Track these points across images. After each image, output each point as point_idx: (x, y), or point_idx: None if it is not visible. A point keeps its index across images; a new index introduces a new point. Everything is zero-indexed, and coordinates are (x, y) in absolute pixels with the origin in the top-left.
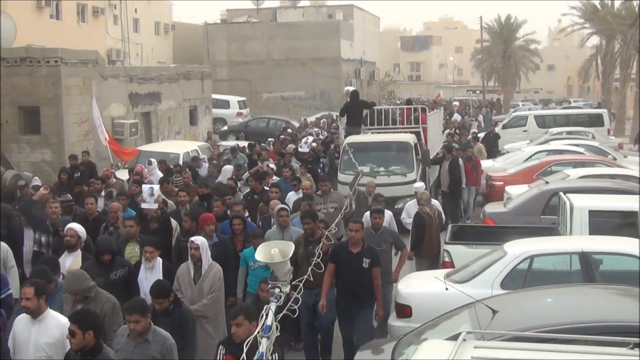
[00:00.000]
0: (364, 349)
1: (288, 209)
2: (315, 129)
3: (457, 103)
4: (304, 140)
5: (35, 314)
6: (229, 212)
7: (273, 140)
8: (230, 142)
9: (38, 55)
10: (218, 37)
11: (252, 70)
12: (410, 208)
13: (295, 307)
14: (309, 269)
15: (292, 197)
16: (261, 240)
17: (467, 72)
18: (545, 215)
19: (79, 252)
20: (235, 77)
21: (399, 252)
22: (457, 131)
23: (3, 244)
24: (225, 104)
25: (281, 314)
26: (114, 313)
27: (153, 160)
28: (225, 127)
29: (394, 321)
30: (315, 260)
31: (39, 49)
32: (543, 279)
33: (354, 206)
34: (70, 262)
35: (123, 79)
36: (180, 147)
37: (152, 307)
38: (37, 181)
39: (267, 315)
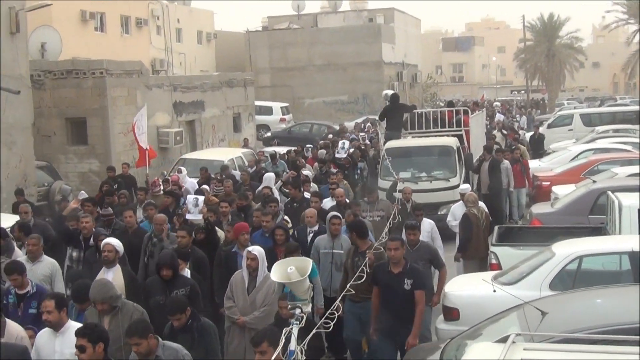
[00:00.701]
0: (411, 354)
1: (341, 217)
2: (362, 134)
3: (498, 104)
4: (340, 145)
5: (57, 326)
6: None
7: (311, 146)
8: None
9: (84, 67)
10: (260, 44)
11: (294, 76)
12: (456, 210)
13: (330, 323)
14: (348, 283)
15: (328, 203)
16: (297, 255)
17: (511, 72)
18: (593, 215)
19: (118, 268)
20: (278, 84)
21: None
22: (504, 131)
23: (53, 260)
24: (268, 111)
25: (310, 334)
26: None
27: (183, 168)
28: (269, 134)
29: (441, 324)
30: (356, 275)
31: (85, 61)
32: (592, 280)
33: (398, 217)
34: (110, 277)
35: (167, 88)
36: (224, 154)
37: (171, 324)
38: (83, 195)
39: (289, 338)
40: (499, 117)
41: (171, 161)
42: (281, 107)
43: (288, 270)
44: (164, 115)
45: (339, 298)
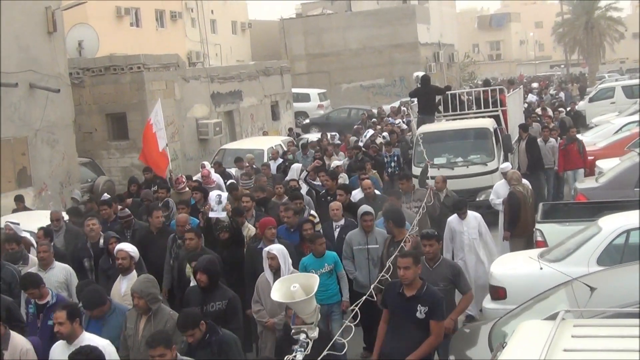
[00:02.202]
0: (459, 333)
1: (373, 213)
2: (391, 120)
3: (536, 84)
4: (364, 133)
5: (70, 338)
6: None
7: (337, 134)
8: (314, 135)
9: (121, 62)
10: (294, 31)
11: (330, 61)
12: (500, 189)
13: (354, 320)
14: (380, 274)
15: (357, 195)
16: (319, 244)
17: (549, 47)
18: (639, 188)
19: (134, 274)
20: (314, 70)
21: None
22: (537, 112)
23: (68, 266)
24: (306, 98)
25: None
26: (176, 331)
27: (206, 163)
28: (307, 121)
29: (488, 304)
30: (388, 264)
31: (122, 57)
32: None
33: (434, 201)
34: (127, 286)
35: (204, 79)
36: (264, 143)
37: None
38: (77, 194)
39: None
40: (531, 97)
41: (211, 152)
42: (318, 94)
43: (291, 288)
44: (202, 107)
45: (369, 291)
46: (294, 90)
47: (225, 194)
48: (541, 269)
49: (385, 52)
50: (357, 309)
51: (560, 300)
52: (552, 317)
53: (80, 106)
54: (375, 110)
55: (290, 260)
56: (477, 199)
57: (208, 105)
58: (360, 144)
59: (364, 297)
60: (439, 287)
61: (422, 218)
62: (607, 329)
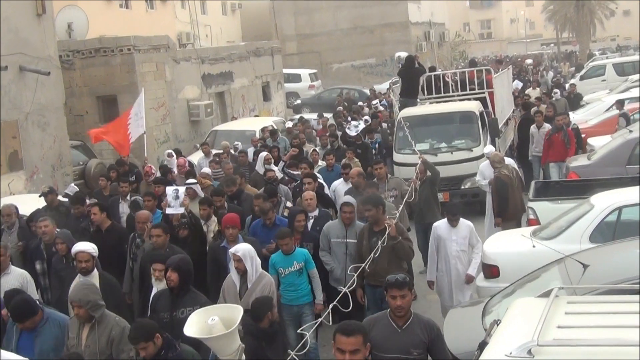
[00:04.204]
0: (453, 311)
1: (353, 204)
2: (374, 102)
3: (530, 61)
4: (353, 123)
5: None
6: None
7: (317, 118)
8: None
9: (111, 44)
10: (285, 11)
11: (321, 41)
12: (485, 169)
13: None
14: (365, 264)
15: (340, 187)
16: (288, 240)
17: (540, 25)
18: (631, 165)
19: (95, 274)
20: (305, 50)
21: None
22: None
23: (25, 272)
24: (297, 78)
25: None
26: (122, 339)
27: (171, 151)
28: (299, 101)
29: (481, 282)
30: (372, 256)
31: (112, 39)
32: (633, 230)
33: (414, 196)
34: None
35: (195, 61)
36: (255, 124)
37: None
38: (72, 189)
39: None
40: (517, 84)
41: (203, 134)
42: (309, 74)
43: (209, 321)
44: (194, 88)
45: (348, 285)
46: (285, 70)
47: (182, 188)
48: (534, 246)
49: (376, 31)
50: (329, 310)
51: (553, 277)
52: (546, 295)
53: (70, 89)
54: (367, 91)
55: (258, 261)
56: (462, 187)
57: (199, 87)
58: (348, 131)
59: (341, 294)
60: (411, 357)
61: (401, 212)
62: (600, 305)
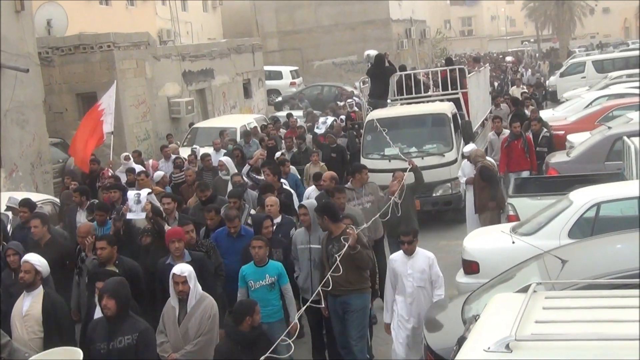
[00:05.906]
0: (433, 308)
1: (307, 206)
2: (340, 103)
3: (510, 58)
4: (322, 120)
5: None
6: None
7: (287, 119)
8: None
9: (91, 41)
10: (266, 8)
11: (302, 39)
12: (466, 167)
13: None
14: (328, 274)
15: (312, 193)
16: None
17: (520, 22)
18: (609, 162)
19: (40, 291)
20: (286, 47)
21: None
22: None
23: None
24: (278, 75)
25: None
26: None
27: (128, 154)
28: (280, 98)
29: (461, 278)
30: (328, 266)
31: (92, 36)
32: (611, 226)
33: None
34: (29, 304)
35: (175, 58)
36: (236, 121)
37: None
38: (13, 201)
39: None
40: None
41: (184, 131)
42: (291, 71)
43: None
44: (174, 85)
45: (311, 299)
46: (266, 67)
47: (145, 192)
48: (513, 242)
49: (357, 28)
50: (296, 320)
51: (532, 273)
52: (524, 290)
53: (50, 86)
54: (348, 88)
55: (198, 285)
56: (434, 195)
57: (180, 84)
58: (318, 131)
59: (306, 306)
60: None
61: (375, 221)
62: (578, 300)
